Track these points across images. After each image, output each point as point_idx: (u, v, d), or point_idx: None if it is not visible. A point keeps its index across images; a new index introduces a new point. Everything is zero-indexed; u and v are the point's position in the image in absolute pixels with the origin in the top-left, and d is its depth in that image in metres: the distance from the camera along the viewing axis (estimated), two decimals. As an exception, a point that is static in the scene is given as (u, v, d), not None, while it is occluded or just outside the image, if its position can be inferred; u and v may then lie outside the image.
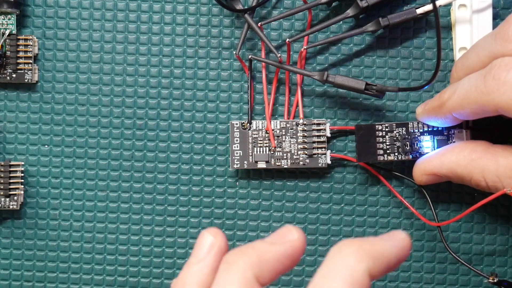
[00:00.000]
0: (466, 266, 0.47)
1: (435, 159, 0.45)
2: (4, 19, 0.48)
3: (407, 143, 0.47)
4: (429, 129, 0.47)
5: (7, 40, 0.48)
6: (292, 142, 0.48)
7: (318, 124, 0.48)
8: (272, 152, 0.48)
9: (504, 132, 0.46)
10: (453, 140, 0.47)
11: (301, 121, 0.48)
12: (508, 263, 0.49)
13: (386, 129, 0.47)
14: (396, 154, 0.47)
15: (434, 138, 0.47)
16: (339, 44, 0.50)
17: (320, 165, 0.48)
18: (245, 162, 0.48)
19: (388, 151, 0.47)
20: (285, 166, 0.48)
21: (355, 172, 0.50)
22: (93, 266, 0.50)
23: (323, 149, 0.48)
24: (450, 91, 0.43)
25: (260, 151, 0.48)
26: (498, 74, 0.39)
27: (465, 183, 0.44)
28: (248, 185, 0.50)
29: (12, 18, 0.49)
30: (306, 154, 0.48)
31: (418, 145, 0.47)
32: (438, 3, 0.47)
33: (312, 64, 0.50)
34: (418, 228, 0.50)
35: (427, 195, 0.48)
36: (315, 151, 0.48)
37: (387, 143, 0.47)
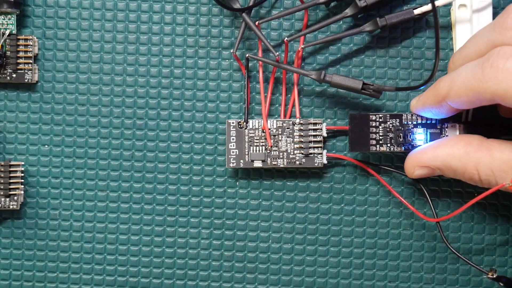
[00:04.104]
0: (464, 260, 0.47)
1: (429, 151, 0.45)
2: (4, 19, 0.49)
3: (400, 134, 0.47)
4: (423, 122, 0.47)
5: (7, 40, 0.49)
6: (288, 142, 0.48)
7: (315, 124, 0.48)
8: (268, 151, 0.48)
9: (498, 129, 0.46)
10: (446, 134, 0.47)
11: (297, 120, 0.48)
12: (508, 263, 0.49)
13: (380, 120, 0.47)
14: (389, 145, 0.47)
15: (427, 131, 0.47)
16: (339, 44, 0.50)
17: (316, 164, 0.48)
18: (241, 161, 0.48)
19: (381, 142, 0.47)
20: (281, 166, 0.48)
21: (355, 172, 0.50)
22: (93, 266, 0.50)
23: (320, 148, 0.48)
24: (446, 79, 0.43)
25: (256, 150, 0.48)
26: (496, 62, 0.39)
27: (458, 177, 0.44)
28: (248, 185, 0.50)
29: (12, 18, 0.49)
30: (302, 153, 0.48)
31: (411, 137, 0.47)
32: (437, 3, 0.47)
33: (312, 64, 0.50)
34: (418, 228, 0.49)
35: (425, 191, 0.48)
36: (311, 151, 0.48)
37: (380, 134, 0.47)
